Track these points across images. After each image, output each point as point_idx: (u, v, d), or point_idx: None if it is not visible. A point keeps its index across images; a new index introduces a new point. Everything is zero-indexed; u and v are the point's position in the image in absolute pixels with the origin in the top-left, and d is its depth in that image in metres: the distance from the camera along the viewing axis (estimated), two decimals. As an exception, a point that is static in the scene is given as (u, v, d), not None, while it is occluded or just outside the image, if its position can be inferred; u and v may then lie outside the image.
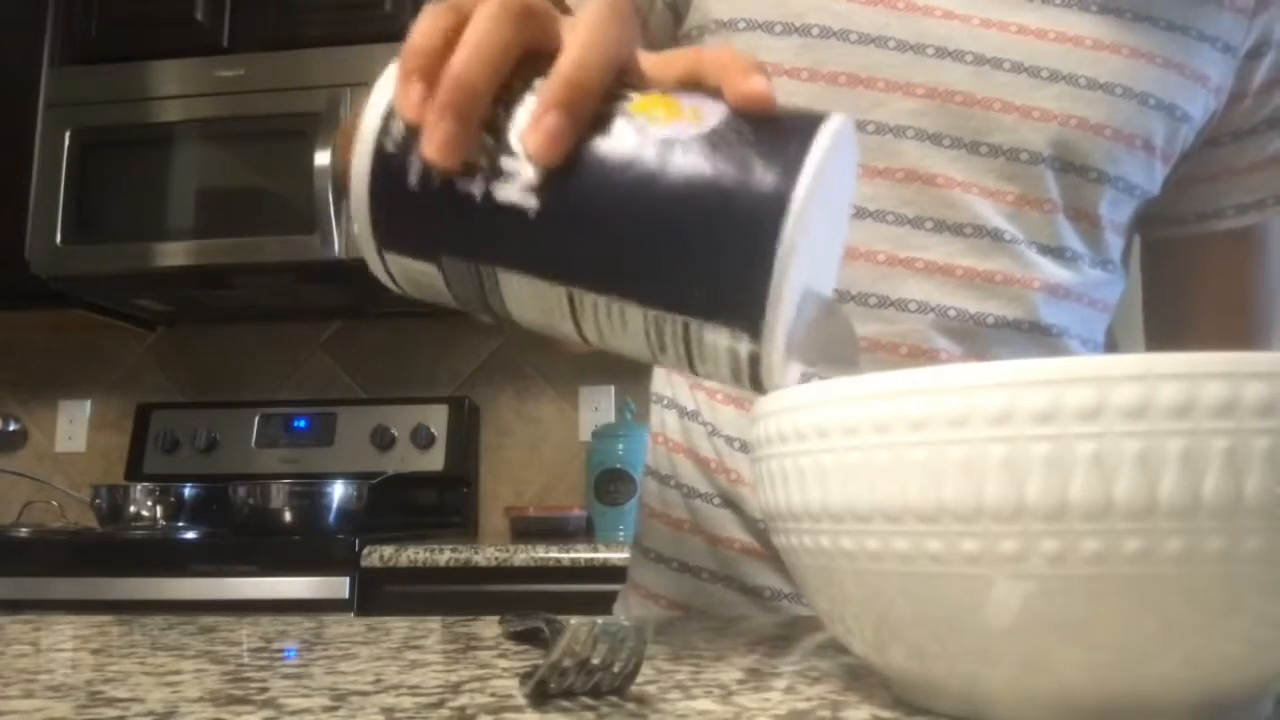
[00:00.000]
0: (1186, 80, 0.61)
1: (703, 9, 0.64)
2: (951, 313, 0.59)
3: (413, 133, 0.33)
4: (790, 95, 0.57)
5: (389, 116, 0.34)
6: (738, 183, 0.31)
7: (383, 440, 2.08)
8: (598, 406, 2.21)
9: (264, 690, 0.36)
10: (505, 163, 0.33)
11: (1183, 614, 0.26)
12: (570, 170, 0.32)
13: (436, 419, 2.12)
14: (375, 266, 0.37)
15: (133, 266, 1.92)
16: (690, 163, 0.31)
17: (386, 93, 0.34)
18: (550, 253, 0.33)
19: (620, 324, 0.34)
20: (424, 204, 0.34)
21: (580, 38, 0.32)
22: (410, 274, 0.36)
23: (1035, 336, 0.60)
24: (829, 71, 0.59)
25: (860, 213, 0.59)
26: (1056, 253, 0.61)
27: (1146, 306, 0.74)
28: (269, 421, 2.15)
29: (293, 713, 0.33)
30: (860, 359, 0.36)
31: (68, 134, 1.96)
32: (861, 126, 0.59)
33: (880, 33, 0.59)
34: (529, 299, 0.36)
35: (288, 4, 1.99)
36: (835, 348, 0.35)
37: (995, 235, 0.59)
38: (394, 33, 1.94)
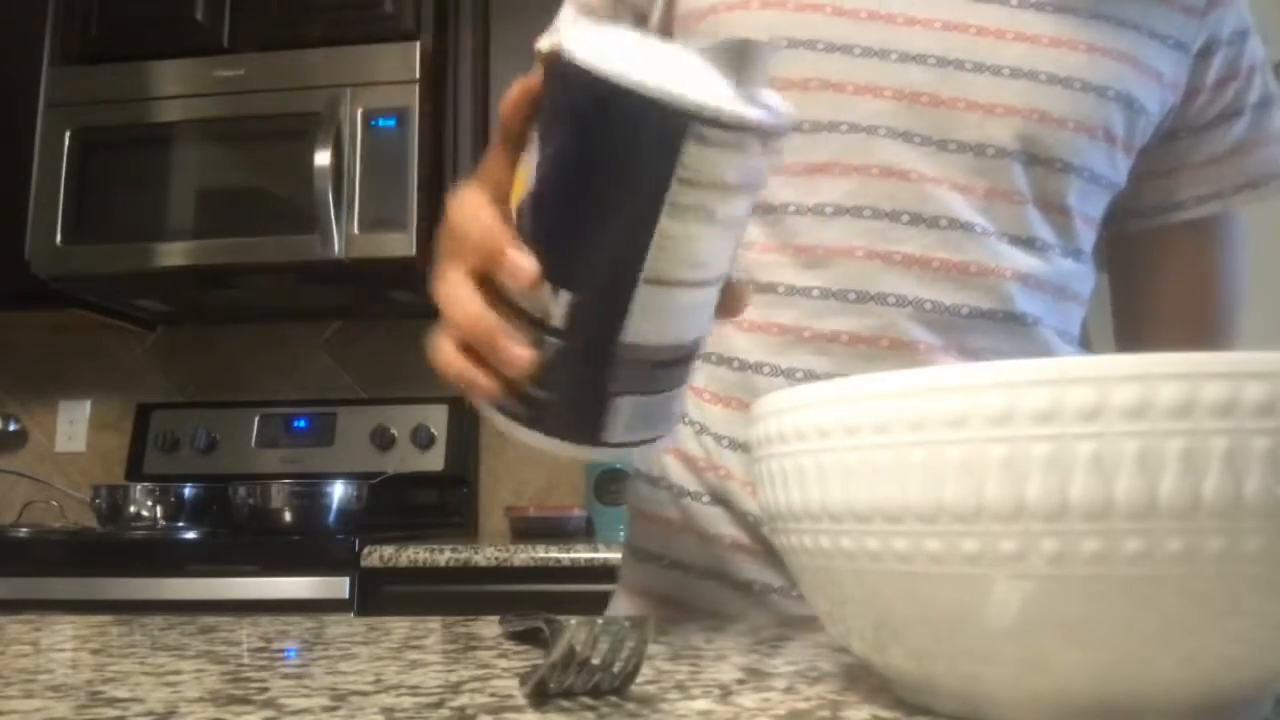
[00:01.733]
0: (1142, 75, 0.63)
1: (684, 25, 0.67)
2: (928, 305, 0.61)
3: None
4: None
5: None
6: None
7: (383, 440, 2.08)
8: (598, 406, 2.21)
9: (264, 690, 0.36)
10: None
11: (1183, 614, 0.26)
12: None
13: (436, 419, 2.12)
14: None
15: (133, 266, 1.92)
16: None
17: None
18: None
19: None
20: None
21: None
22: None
23: (1010, 326, 0.62)
24: (800, 78, 0.62)
25: (838, 210, 0.62)
26: (1027, 243, 0.63)
27: (1113, 300, 0.76)
28: (269, 421, 2.15)
29: (293, 713, 0.33)
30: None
31: (68, 134, 1.96)
32: (835, 126, 0.62)
33: (846, 41, 0.62)
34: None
35: (288, 4, 1.99)
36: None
37: (967, 228, 0.61)
38: (394, 33, 1.94)
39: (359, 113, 1.88)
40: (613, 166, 0.37)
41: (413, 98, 1.88)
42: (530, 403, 0.42)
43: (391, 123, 1.88)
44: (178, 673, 0.40)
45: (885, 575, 0.29)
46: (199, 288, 2.02)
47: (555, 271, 0.39)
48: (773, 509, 0.34)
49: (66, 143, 1.96)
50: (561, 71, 0.37)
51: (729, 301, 0.44)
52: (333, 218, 1.84)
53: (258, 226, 1.88)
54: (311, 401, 2.18)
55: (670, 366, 0.42)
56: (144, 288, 2.02)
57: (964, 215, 0.61)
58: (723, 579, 0.65)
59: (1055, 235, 0.63)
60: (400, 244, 1.84)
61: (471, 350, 0.45)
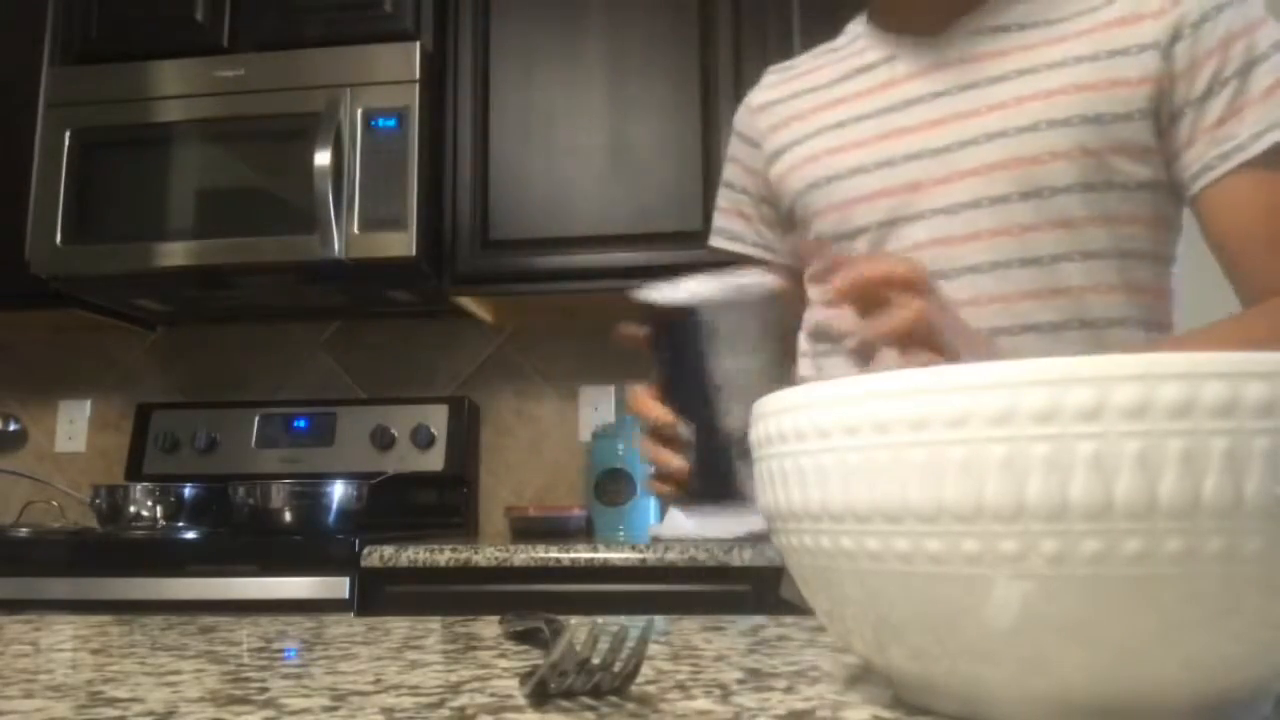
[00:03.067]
0: (1101, 93, 0.76)
1: (781, 204, 0.92)
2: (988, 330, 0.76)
3: None
4: (825, 225, 0.86)
5: None
6: None
7: (383, 440, 2.08)
8: (598, 406, 2.21)
9: (264, 690, 0.36)
10: None
11: (1183, 614, 0.26)
12: None
13: (436, 419, 2.12)
14: None
15: (133, 266, 1.92)
16: None
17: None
18: None
19: None
20: None
21: None
22: None
23: (1085, 332, 0.76)
24: (840, 201, 0.84)
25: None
26: (1036, 263, 0.77)
27: (1229, 276, 0.81)
28: (269, 421, 2.15)
29: (293, 713, 0.33)
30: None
31: (68, 134, 1.96)
32: (865, 230, 0.83)
33: (861, 164, 0.83)
34: None
35: (288, 4, 1.99)
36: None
37: (1005, 265, 0.77)
38: (394, 33, 1.94)
39: (359, 113, 1.88)
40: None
41: (413, 98, 1.88)
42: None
43: (391, 123, 1.88)
44: (178, 673, 0.40)
45: (886, 575, 0.29)
46: (199, 288, 2.02)
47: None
48: (773, 509, 0.34)
49: (66, 143, 1.96)
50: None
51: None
52: (333, 218, 1.84)
53: (258, 226, 1.88)
54: (311, 401, 2.18)
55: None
56: (144, 288, 2.02)
57: (995, 256, 0.77)
58: None
59: (1086, 243, 0.77)
60: (400, 244, 1.84)
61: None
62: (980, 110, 0.79)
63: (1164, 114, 0.77)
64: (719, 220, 1.01)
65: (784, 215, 0.93)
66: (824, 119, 0.88)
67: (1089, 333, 0.76)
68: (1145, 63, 0.77)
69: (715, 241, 1.01)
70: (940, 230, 0.79)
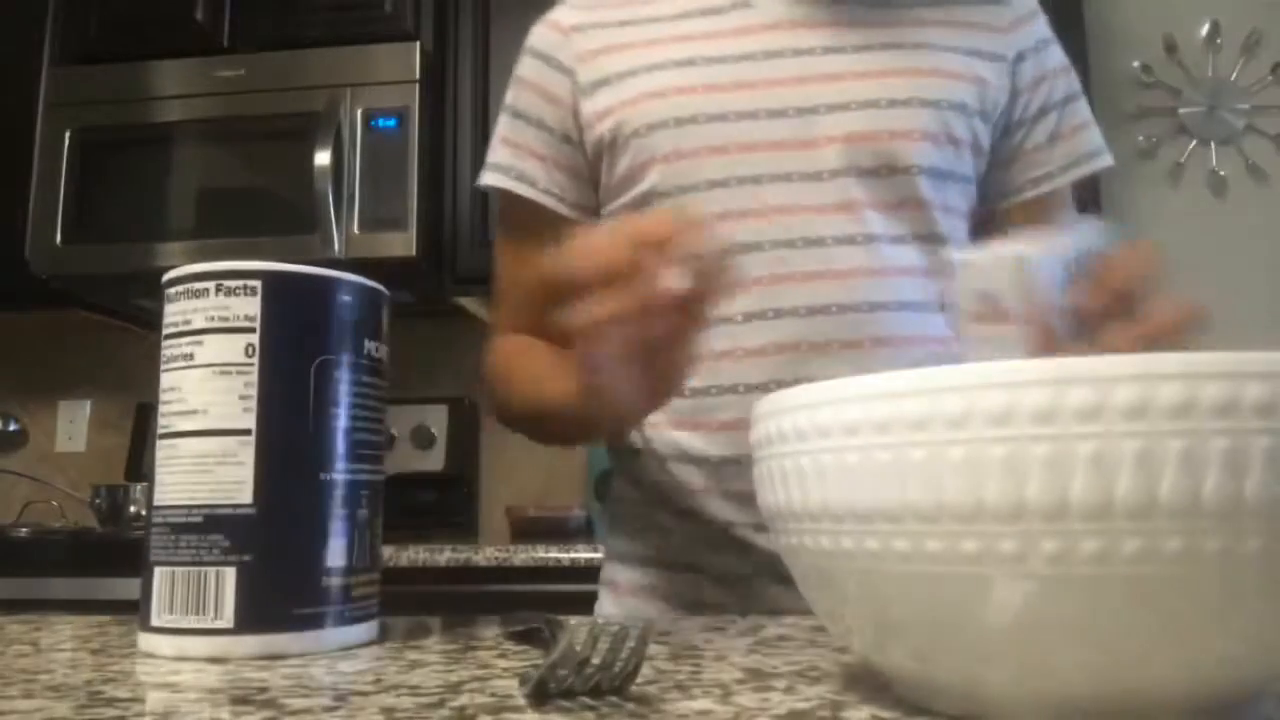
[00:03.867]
0: (967, 83, 0.77)
1: (593, 142, 0.80)
2: (834, 308, 0.72)
3: None
4: (666, 175, 0.75)
5: None
6: None
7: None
8: (598, 406, 2.21)
9: (264, 690, 0.36)
10: None
11: (1183, 614, 0.26)
12: None
13: (436, 419, 2.12)
14: None
15: (133, 266, 1.92)
16: None
17: None
18: None
19: None
20: None
21: None
22: None
23: (906, 314, 0.73)
24: (690, 148, 0.75)
25: (744, 247, 0.72)
26: (901, 240, 0.74)
27: None
28: (269, 421, 2.15)
29: (293, 713, 0.33)
30: None
31: (68, 134, 1.96)
32: (725, 183, 0.75)
33: (721, 110, 0.75)
34: None
35: (288, 4, 1.99)
36: None
37: (849, 240, 0.73)
38: (394, 33, 1.94)
39: (359, 113, 1.88)
40: None
41: (413, 98, 1.88)
42: None
43: (392, 123, 1.88)
44: (177, 673, 0.40)
45: (886, 575, 0.29)
46: (199, 288, 2.02)
47: None
48: (773, 509, 0.34)
49: (66, 143, 1.96)
50: None
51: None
52: (333, 218, 1.84)
53: (258, 226, 1.88)
54: (311, 401, 2.18)
55: None
56: (144, 288, 2.02)
57: (844, 231, 0.73)
58: (696, 541, 0.75)
59: (920, 229, 0.75)
60: (400, 244, 1.84)
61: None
62: (845, 75, 0.75)
63: (998, 125, 0.80)
64: (501, 155, 0.83)
65: (591, 159, 0.81)
66: (668, 53, 0.77)
67: (889, 317, 0.73)
68: (999, 71, 0.79)
69: (494, 180, 0.83)
70: (806, 197, 0.73)
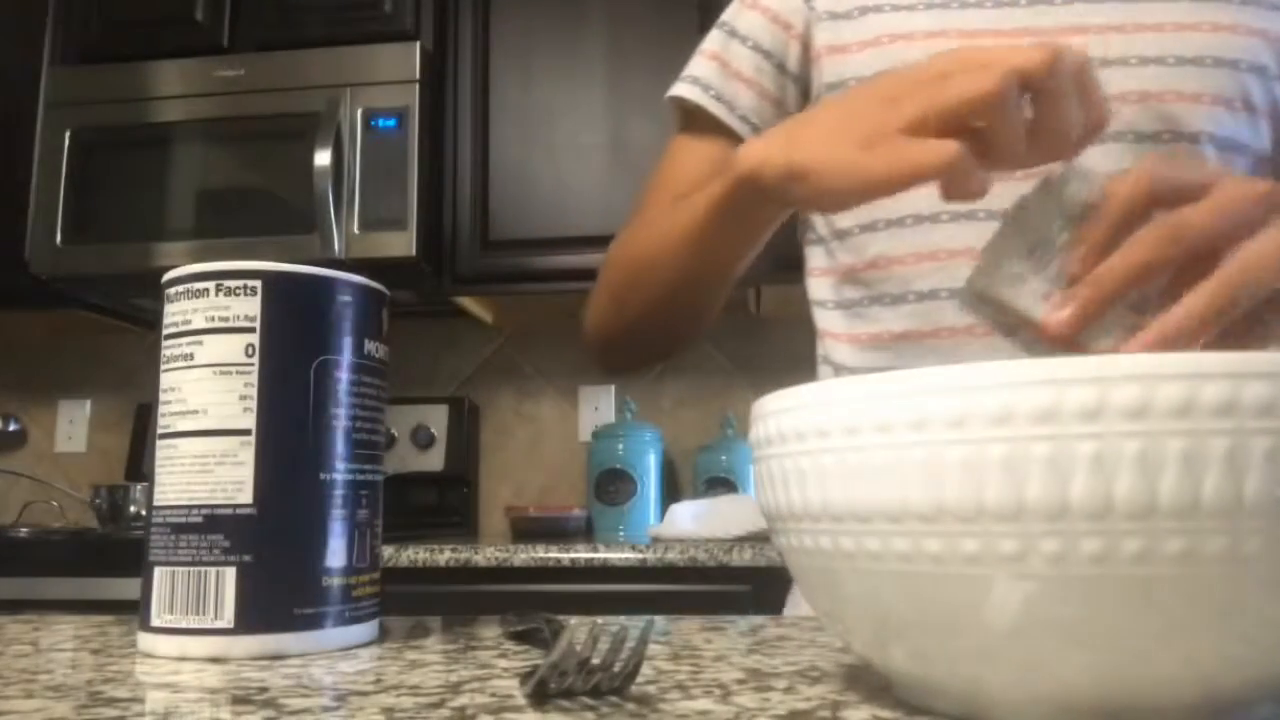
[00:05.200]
0: (1269, 43, 0.67)
1: (820, 78, 0.72)
2: None
3: None
4: None
5: None
6: None
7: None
8: (598, 406, 2.21)
9: (264, 690, 0.36)
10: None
11: (1183, 614, 0.26)
12: None
13: (436, 419, 2.12)
14: None
15: (133, 266, 1.92)
16: None
17: None
18: None
19: None
20: None
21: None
22: None
23: None
24: None
25: (989, 214, 0.64)
26: None
27: None
28: (269, 421, 2.15)
29: (293, 713, 0.33)
30: None
31: (68, 134, 1.96)
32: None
33: None
34: None
35: (288, 4, 1.99)
36: None
37: None
38: (394, 33, 1.94)
39: (359, 113, 1.88)
40: None
41: (413, 98, 1.88)
42: None
43: (391, 123, 1.88)
44: (178, 673, 0.40)
45: (885, 575, 0.29)
46: (199, 288, 2.02)
47: None
48: (773, 509, 0.34)
49: (66, 143, 1.96)
50: None
51: None
52: (333, 218, 1.84)
53: (258, 226, 1.88)
54: (311, 401, 2.18)
55: None
56: (144, 288, 2.02)
57: None
58: None
59: None
60: (400, 244, 1.84)
61: None
62: (1127, 26, 0.66)
63: None
64: (704, 70, 0.76)
65: (813, 96, 0.73)
66: None
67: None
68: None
69: (692, 94, 0.75)
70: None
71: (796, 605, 0.80)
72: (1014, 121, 0.43)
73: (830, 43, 0.71)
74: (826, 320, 0.76)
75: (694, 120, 0.76)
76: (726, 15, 0.77)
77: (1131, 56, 0.65)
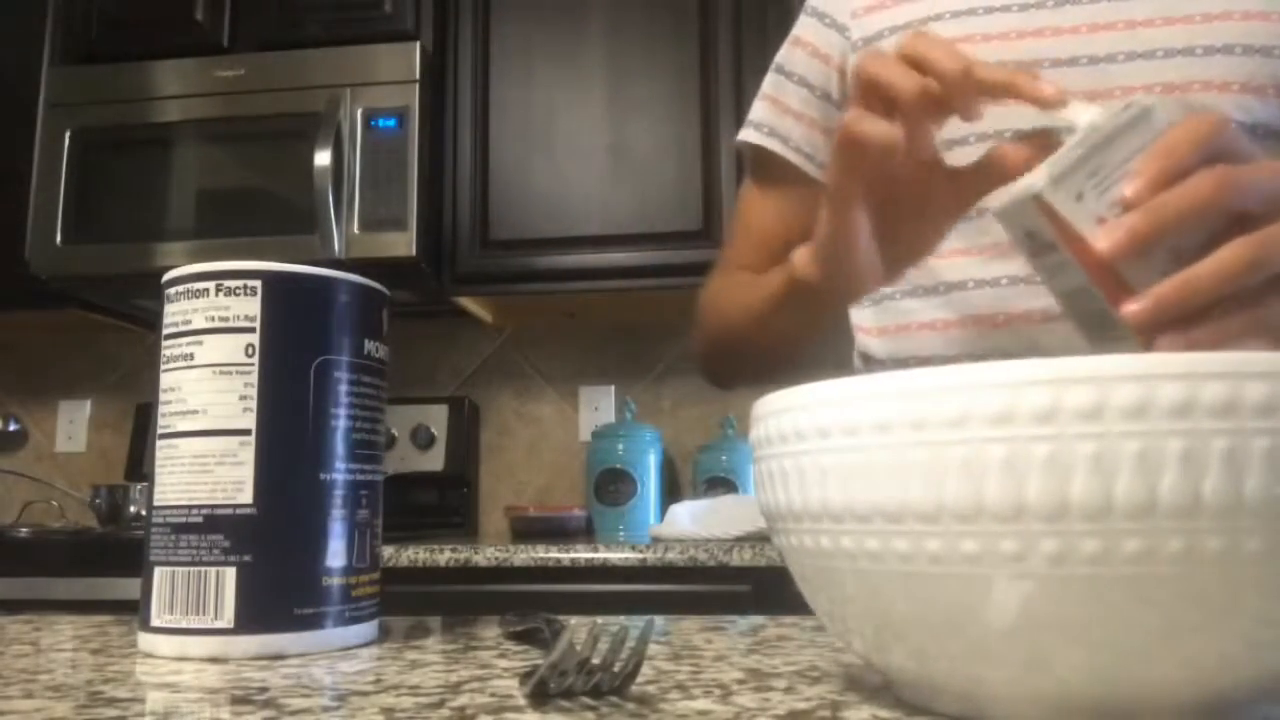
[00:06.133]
0: None
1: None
2: None
3: None
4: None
5: None
6: None
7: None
8: (598, 406, 2.21)
9: (264, 690, 0.36)
10: None
11: (1183, 614, 0.26)
12: None
13: (436, 419, 2.12)
14: None
15: (133, 266, 1.92)
16: None
17: None
18: None
19: None
20: None
21: None
22: None
23: None
24: None
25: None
26: None
27: None
28: (269, 421, 2.15)
29: (293, 713, 0.33)
30: None
31: (68, 134, 1.96)
32: (1001, 135, 0.64)
33: (999, 60, 0.64)
34: None
35: (288, 4, 1.99)
36: None
37: None
38: (394, 33, 1.94)
39: (359, 113, 1.88)
40: None
41: (413, 98, 1.88)
42: None
43: (391, 123, 1.88)
44: (178, 673, 0.40)
45: (886, 575, 0.29)
46: (199, 288, 2.02)
47: None
48: (773, 509, 0.34)
49: (66, 143, 1.96)
50: None
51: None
52: (333, 218, 1.84)
53: (258, 226, 1.88)
54: (311, 401, 2.18)
55: None
56: (144, 288, 2.02)
57: None
58: None
59: None
60: (400, 244, 1.84)
61: None
62: (1154, 20, 0.66)
63: None
64: (761, 113, 0.82)
65: None
66: (946, 4, 0.72)
67: None
68: None
69: (750, 137, 0.82)
70: None
71: None
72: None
73: None
74: (858, 316, 0.79)
75: (758, 160, 0.82)
76: (779, 57, 0.83)
77: (1159, 50, 0.65)
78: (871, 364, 0.78)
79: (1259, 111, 0.64)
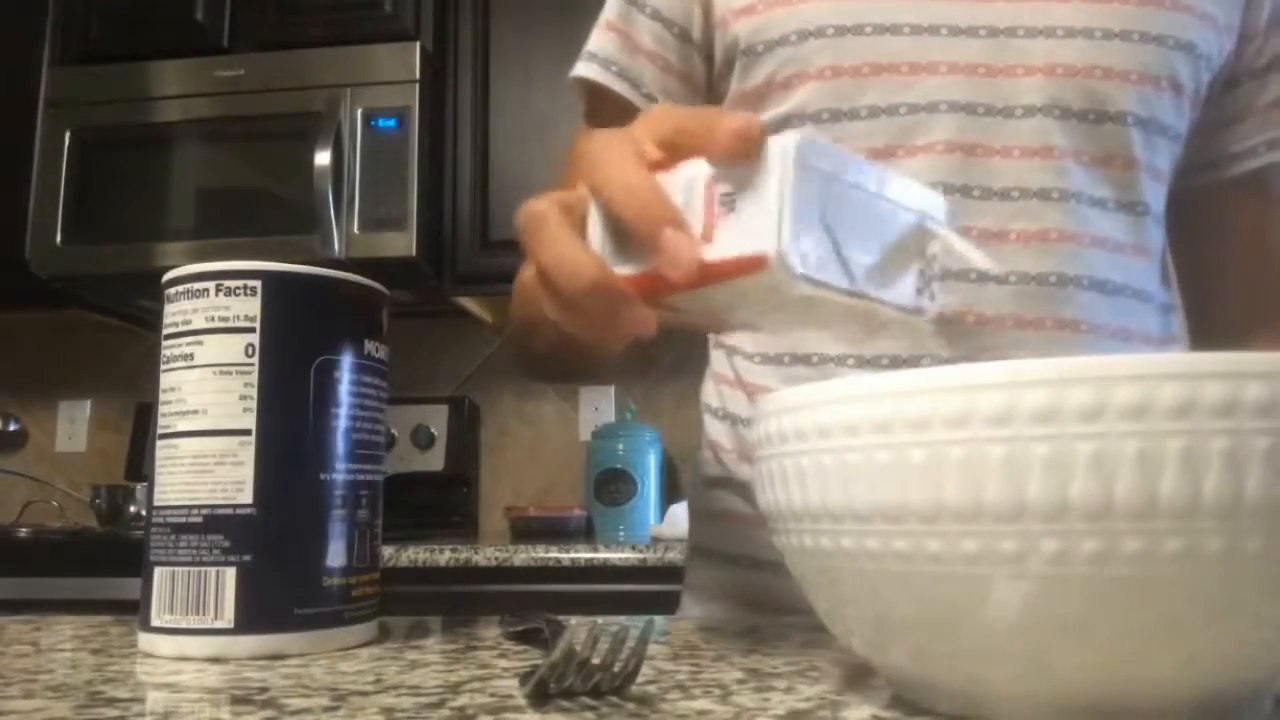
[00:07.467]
0: (1196, 19, 0.62)
1: (726, 44, 0.66)
2: (1013, 278, 0.59)
3: None
4: (820, 95, 0.62)
5: None
6: None
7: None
8: (598, 406, 2.21)
9: (264, 690, 0.36)
10: None
11: (1183, 614, 0.26)
12: None
13: (436, 419, 2.12)
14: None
15: (133, 266, 1.92)
16: None
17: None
18: None
19: None
20: None
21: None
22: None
23: (1096, 293, 0.61)
24: (850, 65, 0.61)
25: None
26: (1101, 204, 0.62)
27: (1178, 273, 0.73)
28: (269, 421, 2.15)
29: (293, 713, 0.33)
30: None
31: (68, 134, 1.96)
32: (894, 110, 0.61)
33: (893, 22, 0.61)
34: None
35: (288, 4, 1.99)
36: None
37: (1042, 195, 0.60)
38: (394, 33, 1.94)
39: (359, 113, 1.88)
40: None
41: (413, 98, 1.88)
42: None
43: (391, 123, 1.88)
44: (178, 672, 0.40)
45: (885, 575, 0.29)
46: (199, 288, 2.02)
47: None
48: (773, 509, 0.34)
49: (66, 143, 1.96)
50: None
51: None
52: (333, 218, 1.84)
53: (258, 226, 1.89)
54: (311, 401, 2.18)
55: None
56: (144, 288, 2.02)
57: (1036, 183, 0.60)
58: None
59: (1125, 193, 0.62)
60: (400, 244, 1.84)
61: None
62: None
63: (1220, 76, 0.66)
64: (607, 47, 0.69)
65: (718, 65, 0.67)
66: None
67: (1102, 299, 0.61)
68: (1229, 7, 0.64)
69: (594, 74, 0.69)
70: (993, 135, 0.60)
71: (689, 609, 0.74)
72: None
73: (733, 5, 0.65)
74: None
75: (598, 100, 0.71)
76: None
77: (1059, 28, 0.61)
78: (735, 356, 0.71)
79: (1153, 104, 0.62)
